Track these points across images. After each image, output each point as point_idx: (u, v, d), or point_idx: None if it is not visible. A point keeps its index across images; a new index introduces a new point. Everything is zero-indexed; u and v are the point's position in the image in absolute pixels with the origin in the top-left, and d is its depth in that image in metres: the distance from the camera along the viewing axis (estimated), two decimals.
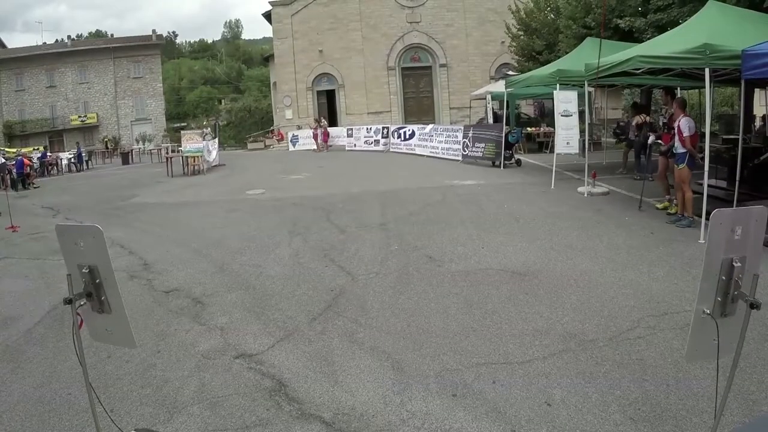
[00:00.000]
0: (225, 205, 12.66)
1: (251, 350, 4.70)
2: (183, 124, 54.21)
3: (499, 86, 23.31)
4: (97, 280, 2.70)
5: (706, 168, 7.82)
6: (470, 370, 4.07)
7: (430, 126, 23.15)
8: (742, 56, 6.94)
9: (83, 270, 2.69)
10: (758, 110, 19.71)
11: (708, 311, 2.28)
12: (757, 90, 16.82)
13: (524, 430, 3.33)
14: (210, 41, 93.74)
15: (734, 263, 2.26)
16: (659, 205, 9.67)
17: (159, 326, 5.31)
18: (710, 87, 8.07)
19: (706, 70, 7.68)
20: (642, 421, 3.34)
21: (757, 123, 18.37)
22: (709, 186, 9.48)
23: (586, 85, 11.08)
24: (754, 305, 2.21)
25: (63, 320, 5.64)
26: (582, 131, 13.63)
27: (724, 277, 2.27)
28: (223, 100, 66.30)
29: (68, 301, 2.67)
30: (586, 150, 11.52)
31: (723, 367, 2.49)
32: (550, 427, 3.34)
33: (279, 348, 4.71)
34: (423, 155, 21.62)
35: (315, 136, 29.15)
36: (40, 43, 54.22)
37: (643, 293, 5.47)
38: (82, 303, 2.73)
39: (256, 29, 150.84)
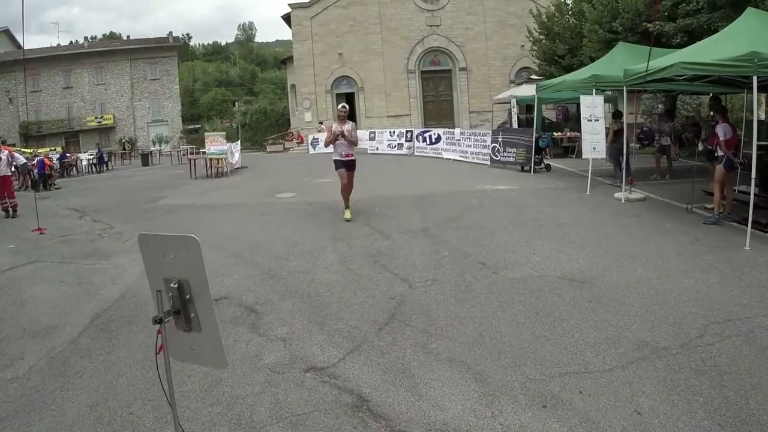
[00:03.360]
0: (257, 208, 12.54)
1: (321, 363, 4.47)
2: (197, 126, 54.63)
3: (522, 90, 23.36)
4: (187, 296, 2.54)
5: (753, 175, 7.74)
6: (554, 380, 4.03)
7: (458, 130, 23.15)
8: None
9: (171, 284, 2.53)
10: None
11: None
12: None
13: None
14: (223, 43, 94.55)
15: None
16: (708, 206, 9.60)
17: None
18: (756, 94, 8.03)
19: (754, 78, 7.66)
20: (729, 427, 3.36)
21: None
22: (740, 192, 9.47)
23: (624, 90, 11.06)
24: None
25: (109, 330, 5.44)
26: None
27: None
28: (236, 103, 66.68)
29: (158, 321, 2.52)
30: (626, 156, 11.45)
31: None
32: None
33: (351, 360, 4.51)
34: (450, 159, 21.57)
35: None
36: (54, 45, 54.82)
37: (702, 300, 5.45)
38: (165, 321, 2.57)
39: (269, 32, 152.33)
